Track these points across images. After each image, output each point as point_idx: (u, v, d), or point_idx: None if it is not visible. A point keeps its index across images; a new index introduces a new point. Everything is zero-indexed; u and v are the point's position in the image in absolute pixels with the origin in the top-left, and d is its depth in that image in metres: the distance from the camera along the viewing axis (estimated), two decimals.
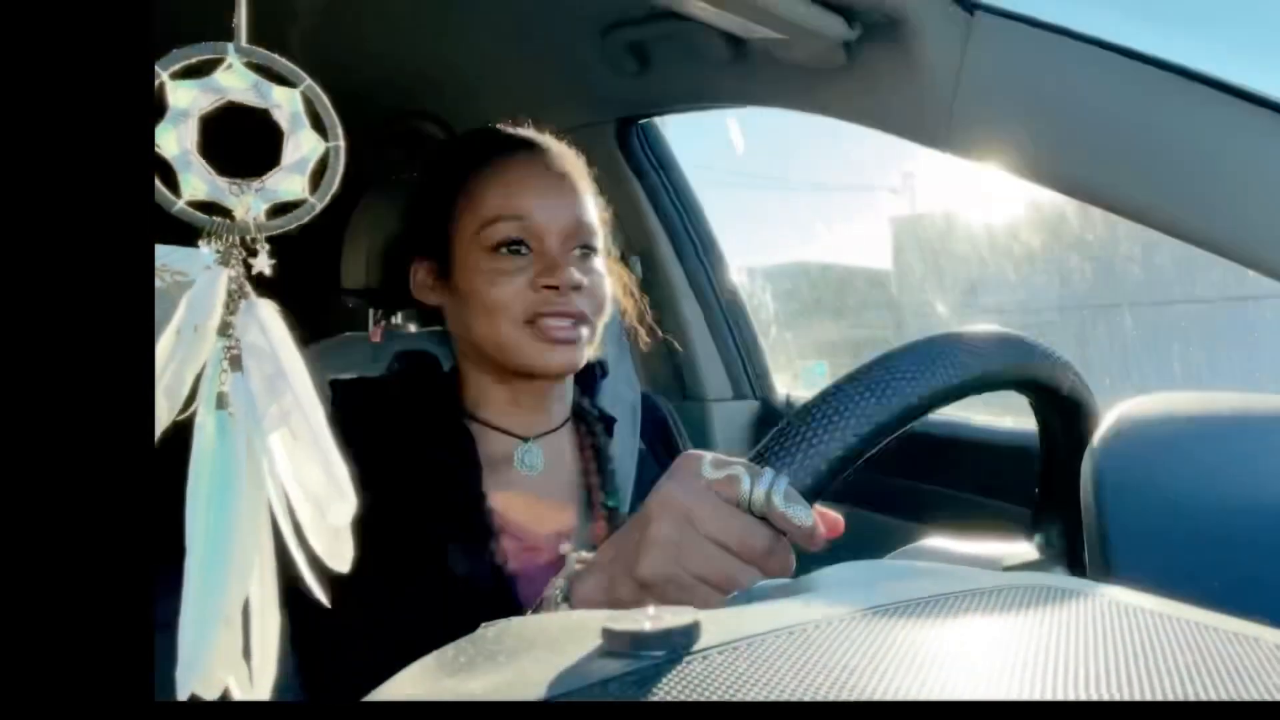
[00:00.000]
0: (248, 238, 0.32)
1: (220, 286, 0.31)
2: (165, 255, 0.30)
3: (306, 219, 0.33)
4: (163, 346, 0.30)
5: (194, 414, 0.31)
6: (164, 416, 0.30)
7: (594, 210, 0.83)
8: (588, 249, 0.81)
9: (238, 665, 0.31)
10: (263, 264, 0.32)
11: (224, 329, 0.31)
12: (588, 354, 0.80)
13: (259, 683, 0.32)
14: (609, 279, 0.83)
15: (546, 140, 0.85)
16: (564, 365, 0.78)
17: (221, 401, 0.31)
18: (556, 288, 0.76)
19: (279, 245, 0.33)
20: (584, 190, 0.82)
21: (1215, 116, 0.70)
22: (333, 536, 0.31)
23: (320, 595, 0.31)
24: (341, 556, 0.32)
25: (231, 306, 0.31)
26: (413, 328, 1.04)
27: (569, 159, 0.84)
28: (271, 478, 0.31)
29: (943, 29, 0.81)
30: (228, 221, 0.31)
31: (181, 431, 0.31)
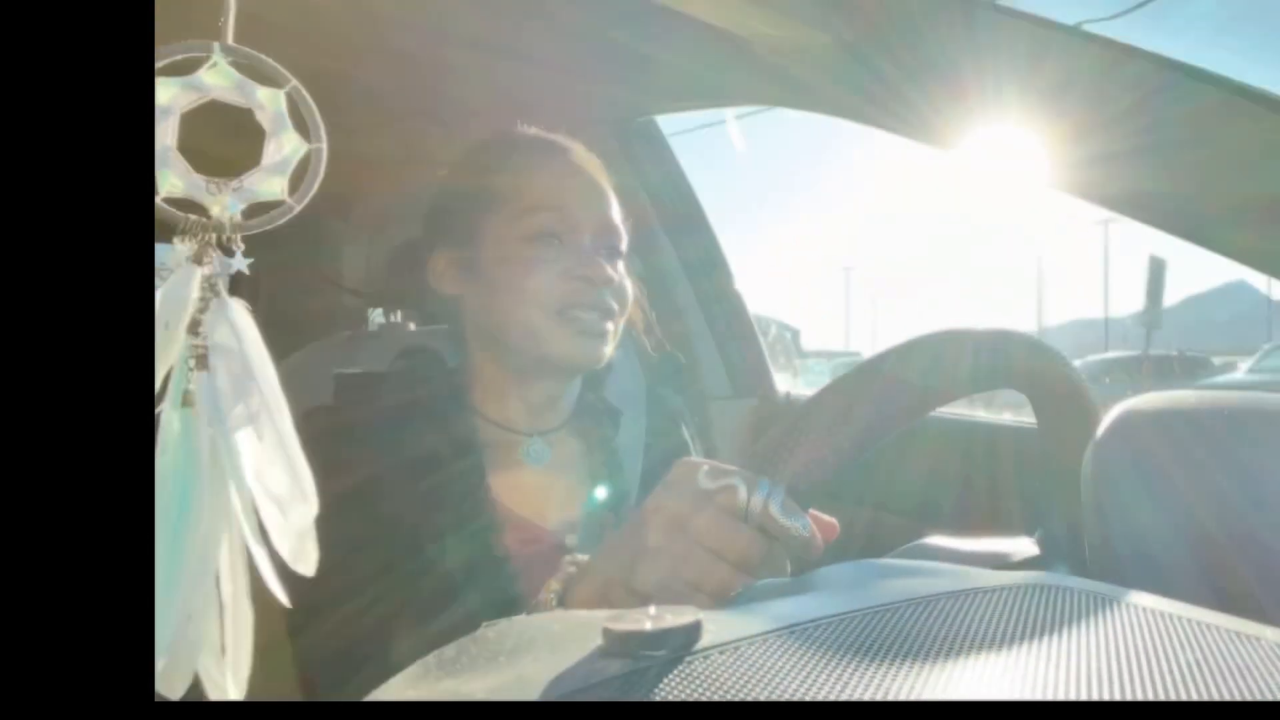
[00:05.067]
0: (223, 236, 0.31)
1: (193, 284, 0.31)
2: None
3: (283, 220, 0.32)
4: None
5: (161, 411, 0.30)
6: None
7: (619, 214, 0.83)
8: (614, 250, 0.81)
9: (213, 657, 0.31)
10: (239, 264, 0.32)
11: (193, 327, 0.31)
12: (609, 351, 0.80)
13: (235, 675, 0.31)
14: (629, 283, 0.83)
15: (575, 143, 0.85)
16: (589, 358, 0.78)
17: (186, 399, 0.31)
18: (590, 279, 0.76)
19: (275, 244, 0.32)
20: (611, 193, 0.83)
21: (1218, 113, 0.70)
22: (297, 538, 0.31)
23: (281, 595, 0.31)
24: (307, 559, 0.32)
25: (203, 305, 0.31)
26: (412, 326, 1.04)
27: (596, 162, 0.85)
28: (235, 478, 0.31)
29: (945, 27, 0.81)
30: (202, 219, 0.31)
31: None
